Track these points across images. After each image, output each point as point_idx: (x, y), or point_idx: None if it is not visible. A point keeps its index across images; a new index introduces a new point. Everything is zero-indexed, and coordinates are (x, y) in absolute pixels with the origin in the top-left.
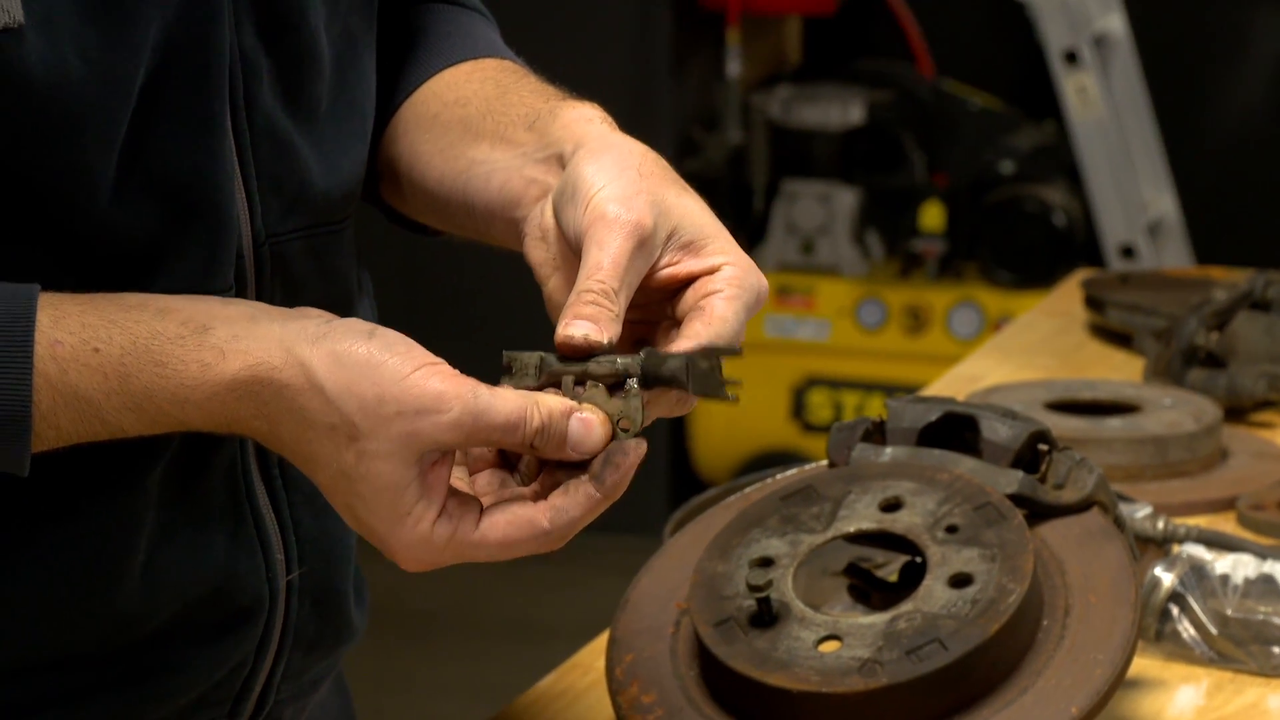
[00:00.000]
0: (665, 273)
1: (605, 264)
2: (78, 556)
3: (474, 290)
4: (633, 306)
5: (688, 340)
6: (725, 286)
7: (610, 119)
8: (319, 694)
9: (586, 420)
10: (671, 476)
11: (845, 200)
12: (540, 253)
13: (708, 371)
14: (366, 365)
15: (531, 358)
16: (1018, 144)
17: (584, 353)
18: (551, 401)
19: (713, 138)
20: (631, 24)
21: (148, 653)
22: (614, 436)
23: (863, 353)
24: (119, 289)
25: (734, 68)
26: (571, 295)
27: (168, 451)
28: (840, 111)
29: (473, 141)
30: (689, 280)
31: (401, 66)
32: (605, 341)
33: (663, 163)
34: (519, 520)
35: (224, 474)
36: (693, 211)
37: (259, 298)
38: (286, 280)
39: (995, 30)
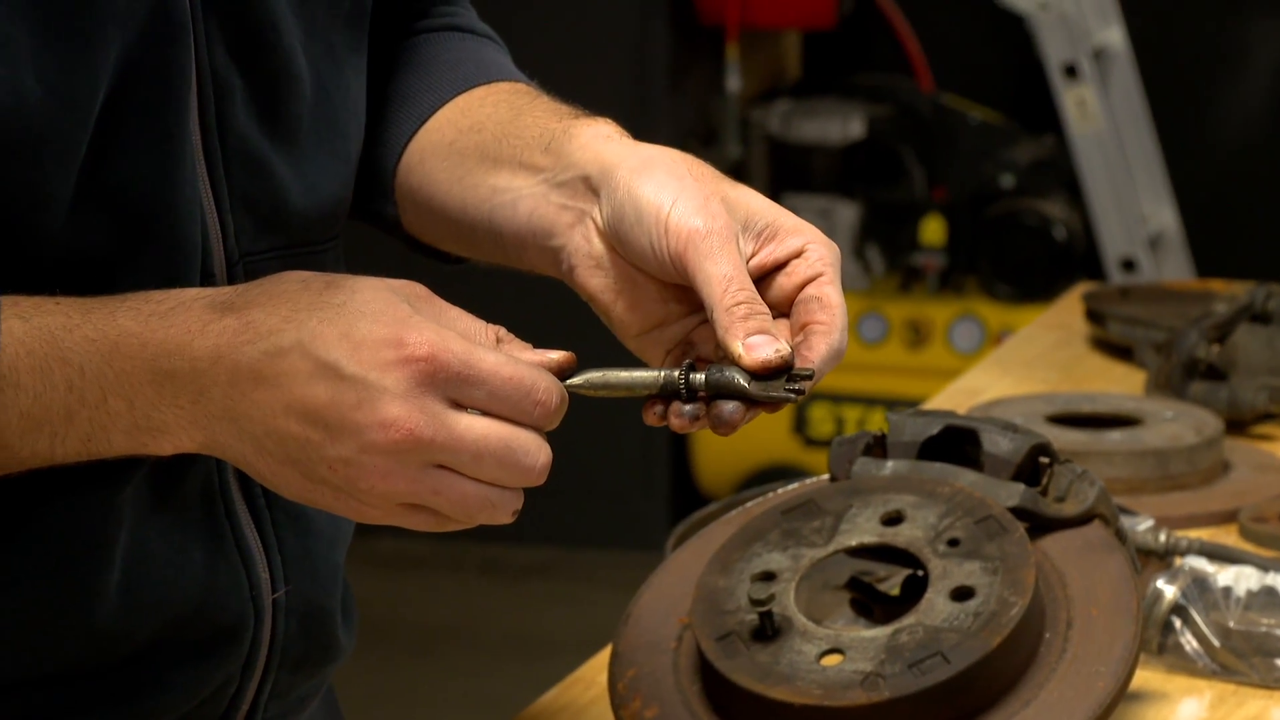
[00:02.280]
0: (753, 264)
1: (733, 273)
2: (51, 575)
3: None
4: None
5: (825, 335)
6: (824, 269)
7: (625, 131)
8: (307, 712)
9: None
10: (673, 491)
11: (845, 215)
12: (598, 280)
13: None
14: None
15: None
16: (1017, 157)
17: (784, 369)
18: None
19: (712, 152)
20: (630, 38)
21: (131, 671)
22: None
23: (864, 367)
24: None
25: (733, 82)
26: (720, 315)
27: (139, 470)
28: (839, 126)
29: (492, 168)
30: (775, 267)
31: (414, 96)
32: (790, 351)
33: (700, 161)
34: (519, 359)
35: (199, 492)
36: (752, 199)
37: None
38: None
39: (994, 44)
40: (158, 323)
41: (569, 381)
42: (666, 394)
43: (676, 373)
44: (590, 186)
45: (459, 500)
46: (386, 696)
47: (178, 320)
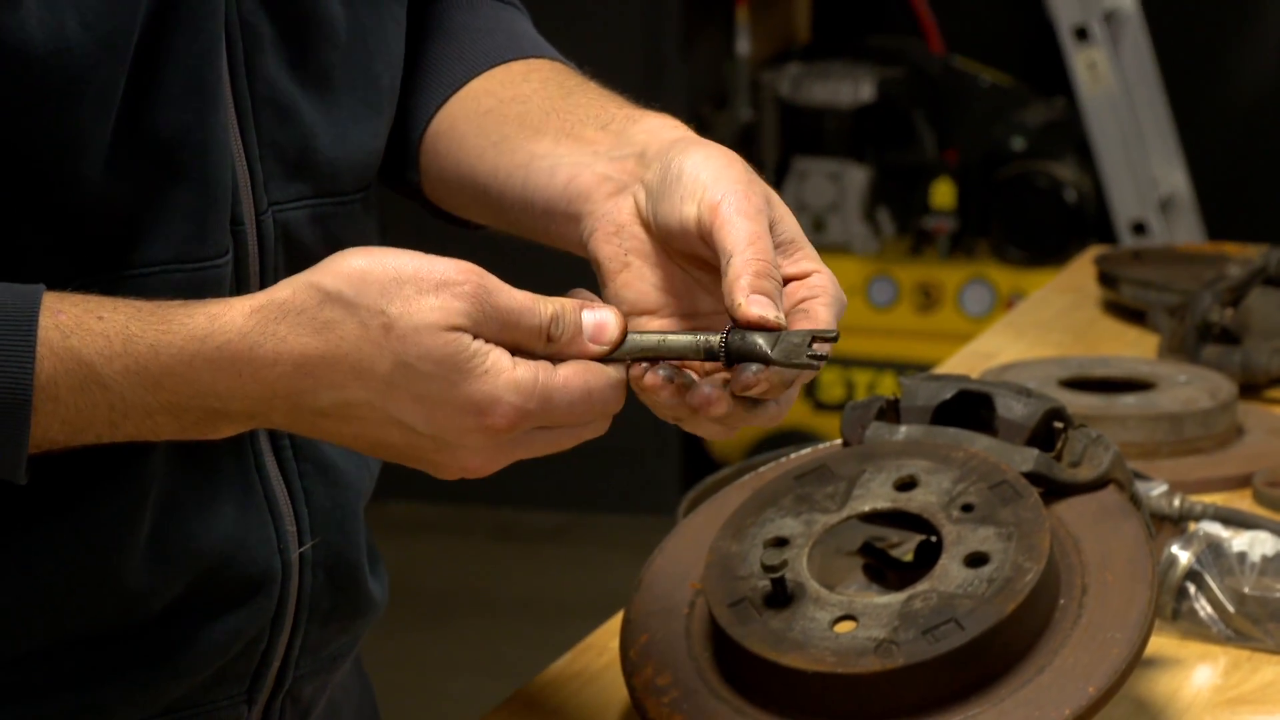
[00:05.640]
0: None
1: (762, 235)
2: (82, 533)
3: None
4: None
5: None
6: (823, 294)
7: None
8: (339, 673)
9: (597, 308)
10: (684, 456)
11: (856, 178)
12: (612, 246)
13: (797, 345)
14: (373, 263)
15: None
16: (1028, 120)
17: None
18: (560, 298)
19: (722, 116)
20: (641, 2)
21: (161, 629)
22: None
23: (874, 331)
24: (109, 254)
25: (743, 45)
26: (734, 268)
27: None
28: (850, 89)
29: (533, 136)
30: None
31: (444, 64)
32: (783, 324)
33: (750, 167)
34: (591, 367)
35: (231, 444)
36: (787, 214)
37: (262, 265)
38: (292, 250)
39: (1005, 6)
40: (203, 365)
41: (613, 356)
42: (704, 358)
43: (716, 337)
44: (642, 163)
45: (553, 446)
46: (398, 662)
47: (225, 362)
